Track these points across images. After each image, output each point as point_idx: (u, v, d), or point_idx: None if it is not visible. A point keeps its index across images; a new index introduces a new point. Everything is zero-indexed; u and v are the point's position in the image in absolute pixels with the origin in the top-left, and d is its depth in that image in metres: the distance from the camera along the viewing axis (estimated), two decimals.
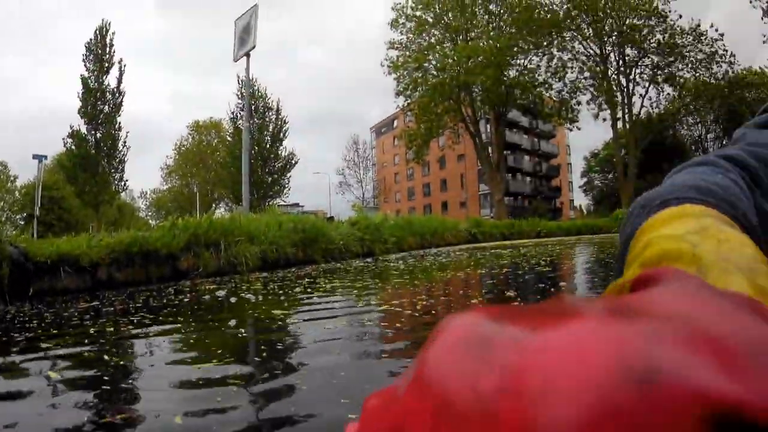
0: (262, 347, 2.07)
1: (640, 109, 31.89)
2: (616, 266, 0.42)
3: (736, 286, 0.25)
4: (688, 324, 0.15)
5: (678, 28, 28.60)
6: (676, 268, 0.24)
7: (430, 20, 31.20)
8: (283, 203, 30.15)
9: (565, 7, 29.29)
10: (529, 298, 2.34)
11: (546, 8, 29.49)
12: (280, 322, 2.50)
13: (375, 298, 2.90)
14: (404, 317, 1.95)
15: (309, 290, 3.59)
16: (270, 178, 32.15)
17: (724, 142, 36.15)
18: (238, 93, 30.27)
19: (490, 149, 32.17)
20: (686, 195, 0.41)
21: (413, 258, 7.18)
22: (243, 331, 2.38)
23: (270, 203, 26.57)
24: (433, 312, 2.09)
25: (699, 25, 28.39)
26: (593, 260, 4.91)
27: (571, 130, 33.24)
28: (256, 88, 30.60)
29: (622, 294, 0.24)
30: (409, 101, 31.05)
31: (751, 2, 25.11)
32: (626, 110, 31.04)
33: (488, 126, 34.60)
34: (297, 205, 31.19)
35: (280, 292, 3.58)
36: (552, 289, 2.71)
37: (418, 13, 31.28)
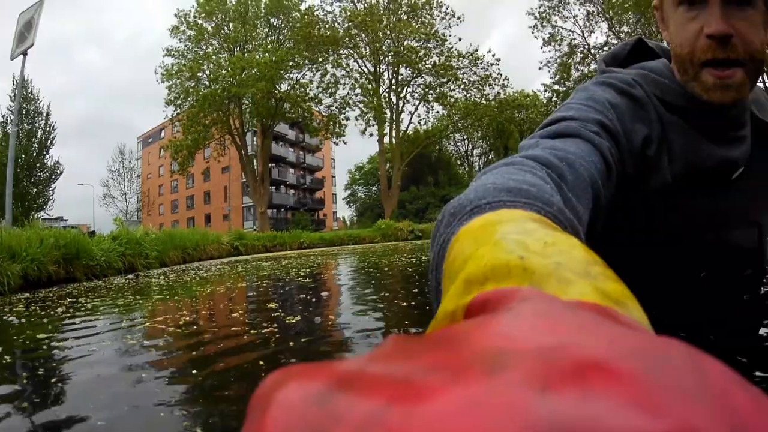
0: (28, 371, 2.01)
1: (408, 125, 33.87)
2: (431, 278, 0.40)
3: (579, 295, 0.23)
4: (565, 356, 0.13)
5: (455, 51, 30.98)
6: (514, 287, 0.22)
7: (210, 29, 30.17)
8: (47, 216, 27.34)
9: (346, 25, 30.40)
10: (291, 309, 2.39)
11: (327, 25, 30.24)
12: (44, 347, 2.40)
13: (138, 315, 2.93)
14: (168, 333, 2.09)
15: (71, 310, 3.41)
16: (35, 189, 28.56)
17: (490, 157, 41.54)
18: (11, 94, 25.96)
19: (255, 162, 32.03)
20: (498, 198, 0.39)
21: (175, 273, 7.06)
22: (8, 358, 2.23)
23: (34, 217, 23.11)
24: (195, 327, 2.14)
25: (477, 50, 31.19)
26: (354, 269, 5.14)
27: (337, 144, 34.29)
28: (30, 90, 27.13)
29: (455, 323, 0.22)
30: (179, 111, 29.54)
31: (532, 32, 29.36)
32: (394, 126, 32.64)
33: (255, 138, 34.59)
34: (61, 218, 28.96)
35: (43, 313, 3.34)
36: (314, 300, 2.73)
37: (200, 22, 30.04)
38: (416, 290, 2.74)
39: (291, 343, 1.59)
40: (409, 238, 16.48)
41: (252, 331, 1.88)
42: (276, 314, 2.21)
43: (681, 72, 0.91)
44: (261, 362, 1.39)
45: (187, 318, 2.38)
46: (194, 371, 1.36)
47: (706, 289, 1.03)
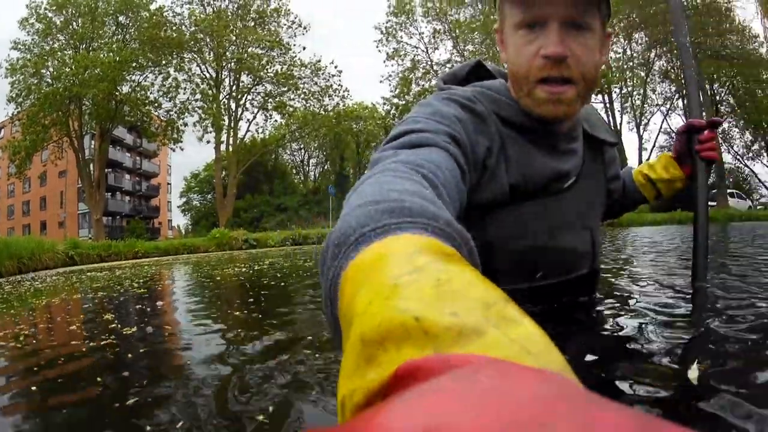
0: None
1: (246, 133, 33.27)
2: (327, 313, 0.39)
3: (492, 350, 0.21)
4: None
5: (299, 61, 30.59)
6: (437, 356, 0.21)
7: (59, 24, 27.15)
8: None
9: (192, 28, 29.37)
10: (128, 319, 2.35)
11: (174, 27, 29.06)
12: None
13: None
14: (8, 349, 1.86)
15: None
16: None
17: (326, 167, 42.32)
18: None
19: (92, 166, 29.73)
20: (383, 223, 0.38)
21: (10, 284, 6.42)
22: None
23: None
24: (35, 341, 2.00)
25: (320, 61, 30.92)
26: (188, 280, 4.93)
27: (174, 150, 32.62)
28: None
29: (374, 402, 0.21)
30: (20, 109, 26.38)
31: (377, 47, 29.82)
32: (232, 134, 31.77)
33: (92, 142, 32.20)
34: None
35: None
36: (149, 310, 2.66)
37: (50, 15, 26.88)
38: (251, 300, 2.69)
39: (129, 355, 1.53)
40: (243, 248, 16.28)
41: (91, 344, 1.77)
42: (113, 326, 2.14)
43: (516, 89, 0.97)
44: (98, 377, 1.29)
45: (27, 332, 2.21)
46: (33, 387, 1.27)
47: (545, 288, 1.07)
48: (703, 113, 1.36)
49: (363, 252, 0.35)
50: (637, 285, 1.85)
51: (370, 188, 0.48)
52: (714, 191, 26.00)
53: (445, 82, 1.11)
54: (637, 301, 1.45)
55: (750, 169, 38.27)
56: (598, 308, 1.32)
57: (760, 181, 38.72)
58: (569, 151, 1.06)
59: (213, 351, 1.45)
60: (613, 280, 2.08)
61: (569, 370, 0.22)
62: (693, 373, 0.76)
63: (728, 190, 27.85)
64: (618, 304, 1.40)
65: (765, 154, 35.87)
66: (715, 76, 30.24)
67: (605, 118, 1.72)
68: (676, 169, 1.36)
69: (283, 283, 3.52)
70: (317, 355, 1.25)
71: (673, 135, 1.39)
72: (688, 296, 1.47)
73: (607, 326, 1.15)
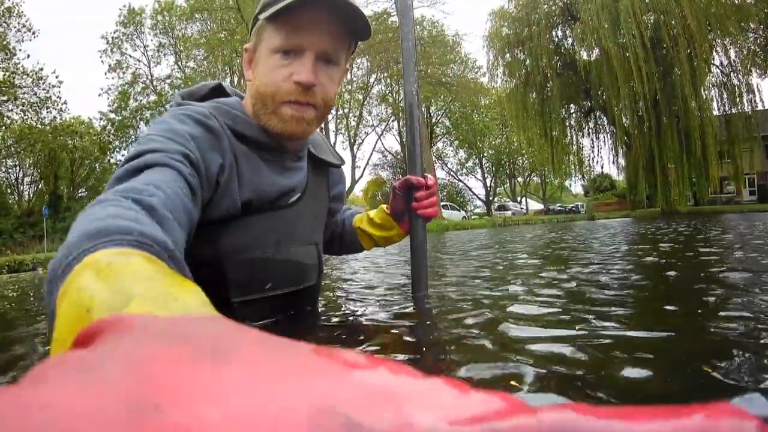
0: None
1: None
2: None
3: (147, 307, 0.30)
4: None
5: (21, 68, 27.48)
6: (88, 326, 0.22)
7: None
8: None
9: None
10: None
11: None
12: None
13: None
14: None
15: None
16: None
17: (40, 186, 37.27)
18: None
19: None
20: (82, 248, 0.44)
21: None
22: None
23: None
24: None
25: (42, 69, 27.97)
26: None
27: None
28: None
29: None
30: None
31: (101, 57, 27.71)
32: None
33: None
34: None
35: None
36: None
37: None
38: None
39: None
40: None
41: None
42: None
43: (260, 106, 1.03)
44: None
45: None
46: None
47: (276, 299, 1.12)
48: (424, 170, 1.38)
49: (66, 280, 0.40)
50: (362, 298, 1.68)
51: (81, 222, 0.52)
52: None
53: (183, 98, 1.11)
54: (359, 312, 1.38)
55: (464, 183, 44.51)
56: (322, 317, 1.30)
57: (474, 194, 45.33)
58: (295, 168, 1.14)
59: None
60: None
61: (209, 307, 0.31)
62: None
63: (442, 203, 30.61)
64: (340, 313, 1.37)
65: (479, 170, 42.61)
66: (432, 100, 33.86)
67: None
68: (393, 225, 1.40)
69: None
70: None
71: (391, 185, 1.45)
72: (410, 306, 1.41)
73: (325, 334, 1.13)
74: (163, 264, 0.41)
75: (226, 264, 1.02)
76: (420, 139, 1.44)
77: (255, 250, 1.05)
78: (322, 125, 1.20)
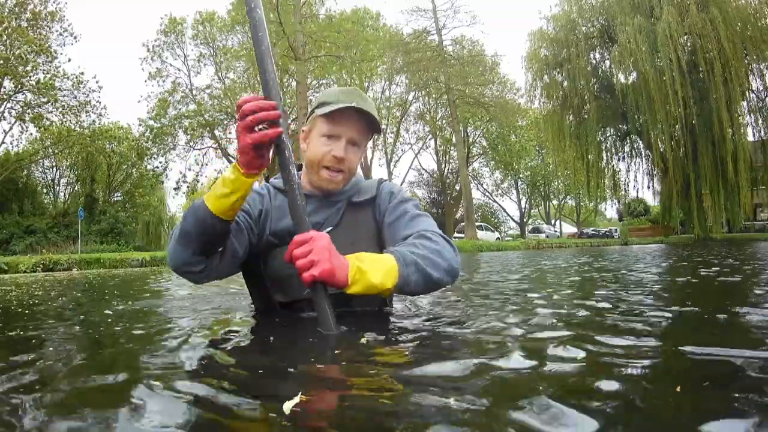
0: None
1: (0, 145, 29.12)
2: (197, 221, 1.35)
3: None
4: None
5: (62, 71, 27.66)
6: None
7: None
8: None
9: None
10: None
11: None
12: None
13: None
14: None
15: None
16: None
17: (76, 188, 37.45)
18: None
19: None
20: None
21: None
22: None
23: None
24: None
25: (83, 73, 28.23)
26: None
27: None
28: None
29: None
30: None
31: (141, 65, 29.22)
32: None
33: None
34: None
35: None
36: None
37: None
38: None
39: None
40: None
41: None
42: None
43: (309, 167, 1.59)
44: None
45: None
46: None
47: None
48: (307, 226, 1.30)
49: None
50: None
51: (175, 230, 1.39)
52: (463, 224, 28.80)
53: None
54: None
55: (499, 204, 44.41)
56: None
57: (508, 215, 45.08)
58: (325, 209, 1.63)
59: None
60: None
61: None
62: (287, 405, 0.74)
63: (477, 223, 30.44)
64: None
65: (514, 192, 42.55)
66: (470, 120, 34.12)
67: None
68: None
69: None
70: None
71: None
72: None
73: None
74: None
75: (271, 278, 1.62)
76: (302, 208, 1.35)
77: (288, 269, 1.33)
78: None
